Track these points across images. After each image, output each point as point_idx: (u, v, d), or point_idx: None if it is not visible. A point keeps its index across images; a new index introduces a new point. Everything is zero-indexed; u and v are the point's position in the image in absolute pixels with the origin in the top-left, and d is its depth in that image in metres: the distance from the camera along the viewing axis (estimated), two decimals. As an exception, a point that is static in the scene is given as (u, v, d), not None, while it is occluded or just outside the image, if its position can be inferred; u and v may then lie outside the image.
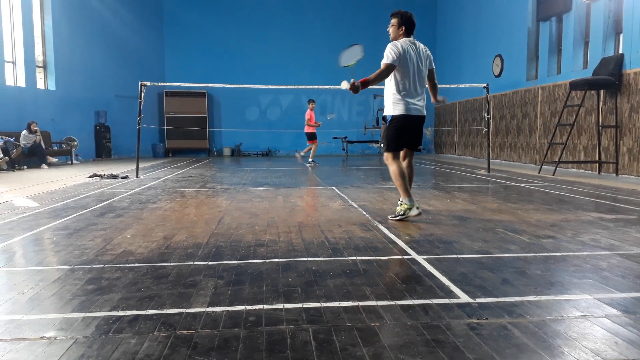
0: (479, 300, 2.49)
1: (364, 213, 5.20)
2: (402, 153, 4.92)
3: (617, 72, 9.15)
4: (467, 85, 12.45)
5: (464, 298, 2.52)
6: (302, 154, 13.40)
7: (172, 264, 3.21)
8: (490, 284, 2.76)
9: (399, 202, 4.79)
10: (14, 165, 11.46)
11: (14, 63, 13.18)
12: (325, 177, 9.44)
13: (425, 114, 4.86)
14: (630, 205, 5.59)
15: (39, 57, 14.16)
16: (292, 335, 2.07)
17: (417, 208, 4.67)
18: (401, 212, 4.70)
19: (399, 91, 4.71)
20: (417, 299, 2.52)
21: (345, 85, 4.69)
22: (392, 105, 4.77)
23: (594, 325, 2.17)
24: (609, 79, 9.10)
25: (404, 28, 4.80)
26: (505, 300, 2.50)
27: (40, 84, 14.21)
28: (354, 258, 3.34)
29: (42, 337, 2.08)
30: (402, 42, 4.69)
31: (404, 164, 4.91)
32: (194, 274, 2.97)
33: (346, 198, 6.49)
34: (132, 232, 4.25)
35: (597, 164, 9.78)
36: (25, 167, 11.76)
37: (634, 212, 5.13)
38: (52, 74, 14.42)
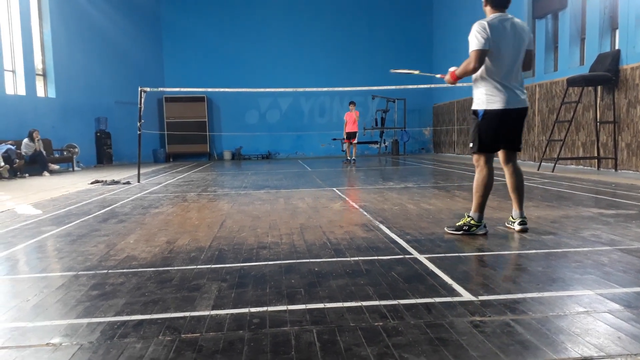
0: (481, 298, 2.51)
1: (365, 213, 5.21)
2: (502, 157, 4.17)
3: (614, 68, 9.16)
4: (465, 84, 12.44)
5: (466, 296, 2.54)
6: (354, 157, 14.30)
7: (175, 268, 3.23)
8: (492, 282, 2.77)
9: (466, 215, 4.10)
10: (15, 173, 11.49)
11: (13, 72, 13.21)
12: (325, 179, 9.45)
13: (526, 105, 4.03)
14: (630, 200, 5.60)
15: (38, 65, 14.19)
16: (297, 337, 2.08)
17: (485, 227, 4.02)
18: (465, 227, 4.01)
19: (492, 80, 3.90)
20: (420, 297, 2.53)
21: (439, 76, 4.30)
22: (484, 96, 3.96)
23: (596, 321, 2.18)
24: (606, 75, 9.12)
25: (488, 3, 3.96)
26: (507, 297, 2.51)
27: (40, 92, 14.24)
28: (356, 258, 3.35)
29: (47, 343, 2.09)
30: (491, 20, 3.85)
31: (507, 170, 4.18)
32: (197, 278, 2.98)
33: (347, 199, 6.50)
34: (135, 237, 4.26)
35: (596, 160, 9.79)
36: (27, 174, 11.78)
37: (634, 207, 5.14)
38: (52, 82, 14.45)
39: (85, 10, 15.61)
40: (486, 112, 3.95)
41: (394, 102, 18.18)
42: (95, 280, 2.99)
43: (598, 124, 9.73)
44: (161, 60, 18.91)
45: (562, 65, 11.37)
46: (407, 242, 3.82)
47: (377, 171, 11.49)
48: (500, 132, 3.99)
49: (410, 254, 3.46)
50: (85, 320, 2.33)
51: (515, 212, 4.16)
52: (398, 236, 4.04)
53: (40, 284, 2.94)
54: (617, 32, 9.58)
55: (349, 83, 16.32)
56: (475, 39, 3.81)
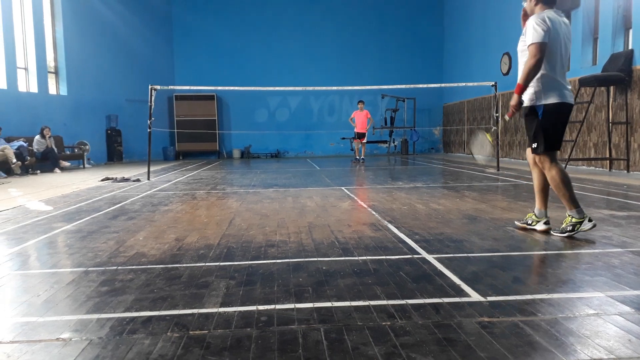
0: (490, 298, 2.49)
1: (374, 213, 5.20)
2: (534, 158, 4.01)
3: (627, 68, 9.06)
4: (475, 84, 12.40)
5: (475, 297, 2.52)
6: (363, 156, 14.45)
7: (184, 265, 3.24)
8: (501, 283, 2.75)
9: (567, 214, 3.91)
10: (27, 169, 11.60)
11: (26, 69, 13.34)
12: (334, 178, 9.44)
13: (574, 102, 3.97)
14: (642, 202, 5.54)
15: (50, 63, 14.32)
16: (304, 335, 2.09)
17: (590, 220, 3.82)
18: (569, 228, 3.85)
19: (551, 73, 3.79)
20: (428, 298, 2.52)
21: (507, 117, 4.05)
22: (542, 91, 3.82)
23: (606, 323, 2.16)
24: (618, 75, 9.02)
25: (538, 1, 3.87)
26: (516, 298, 2.49)
27: (52, 90, 14.37)
28: (364, 258, 3.35)
29: (57, 338, 2.11)
30: (548, 13, 3.78)
31: (538, 169, 4.05)
32: (206, 275, 2.99)
33: (355, 198, 6.49)
34: (144, 234, 4.29)
35: (608, 161, 9.70)
36: (38, 171, 11.89)
37: (647, 209, 5.09)
38: (64, 80, 14.58)
39: (97, 8, 15.73)
40: (547, 107, 3.83)
41: (403, 101, 18.12)
42: (104, 276, 3.02)
43: (610, 124, 9.63)
44: (172, 59, 19.00)
45: (575, 65, 11.26)
46: (416, 242, 3.81)
47: (386, 171, 11.47)
48: (562, 127, 3.87)
49: (419, 254, 3.45)
50: (95, 316, 2.35)
51: (540, 211, 4.09)
52: (406, 236, 4.02)
53: (50, 280, 2.97)
54: (631, 31, 9.46)
55: (359, 82, 16.30)
56: (535, 32, 3.70)
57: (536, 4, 3.89)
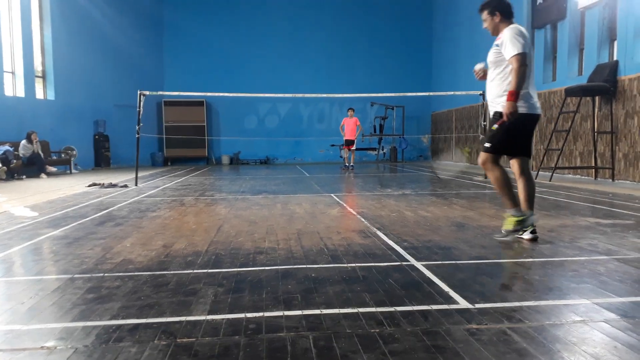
0: (478, 305, 2.50)
1: (363, 220, 5.21)
2: (516, 164, 4.10)
3: (612, 78, 9.20)
4: (463, 93, 12.51)
5: (463, 304, 2.53)
6: (352, 163, 14.44)
7: (171, 272, 3.22)
8: (489, 290, 2.77)
9: (507, 215, 4.02)
10: (12, 175, 11.46)
11: (13, 73, 13.22)
12: (323, 185, 9.45)
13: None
14: (627, 210, 5.62)
15: (38, 67, 14.20)
16: (293, 343, 2.08)
17: (532, 215, 3.95)
18: (511, 229, 3.97)
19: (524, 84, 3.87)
20: (417, 305, 2.53)
21: (495, 126, 3.99)
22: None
23: (593, 330, 2.18)
24: (604, 85, 9.16)
25: (500, 15, 4.01)
26: (504, 305, 2.51)
27: (40, 94, 14.24)
28: (353, 265, 3.35)
29: (42, 346, 2.08)
30: (519, 26, 3.94)
31: (523, 179, 4.08)
32: (193, 282, 2.97)
33: (344, 205, 6.50)
34: (131, 240, 4.25)
35: (594, 170, 9.82)
36: (24, 176, 11.75)
37: (631, 217, 5.15)
38: (52, 84, 14.46)
39: (86, 12, 15.64)
40: (518, 115, 3.88)
41: (392, 109, 18.21)
42: (91, 283, 2.98)
43: (596, 134, 9.76)
44: (161, 64, 18.94)
45: (561, 75, 11.42)
46: (405, 249, 3.82)
47: (375, 178, 11.50)
48: (521, 136, 4.01)
49: (408, 261, 3.45)
50: (81, 324, 2.32)
51: (524, 210, 4.02)
52: (395, 243, 4.03)
53: (35, 287, 2.93)
54: (616, 43, 9.63)
55: (348, 90, 16.38)
56: (517, 42, 3.79)
57: (500, 21, 4.02)
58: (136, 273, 3.19)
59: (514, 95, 3.81)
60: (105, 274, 3.17)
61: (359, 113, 17.72)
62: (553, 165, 9.97)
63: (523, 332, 2.16)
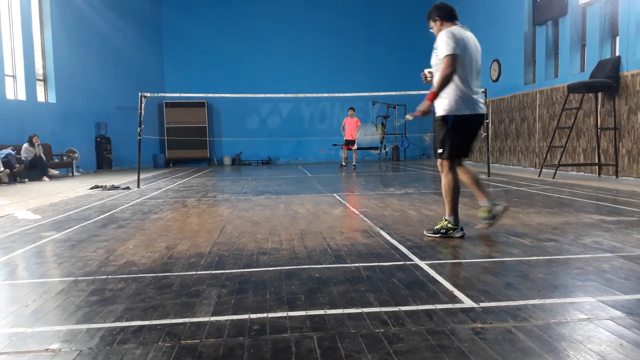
0: (482, 304, 2.49)
1: (366, 219, 5.20)
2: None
3: (615, 74, 9.18)
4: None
5: (467, 303, 2.52)
6: (354, 163, 14.47)
7: (175, 273, 3.22)
8: (493, 288, 2.76)
9: (444, 218, 4.21)
10: (15, 178, 11.48)
11: (14, 77, 13.23)
12: (325, 184, 9.44)
13: (485, 112, 4.19)
14: (631, 207, 5.59)
15: (39, 70, 14.21)
16: (297, 343, 2.07)
17: (462, 230, 4.15)
18: (442, 230, 4.15)
19: (461, 85, 3.96)
20: (421, 304, 2.52)
21: (409, 117, 4.21)
22: (454, 101, 3.99)
23: (598, 328, 2.17)
24: (606, 81, 9.13)
25: (440, 20, 4.16)
26: (509, 304, 2.50)
27: (41, 97, 14.25)
28: (357, 265, 3.34)
29: (46, 349, 2.08)
30: (455, 29, 4.03)
31: (461, 173, 4.25)
32: (197, 284, 2.97)
33: (347, 205, 6.49)
34: (134, 242, 4.25)
35: (597, 167, 9.79)
36: (26, 179, 11.77)
37: (635, 214, 5.13)
38: (53, 87, 14.47)
39: (86, 15, 15.66)
40: (458, 117, 4.01)
41: (394, 107, 18.20)
42: (94, 285, 2.98)
43: (599, 130, 9.73)
44: (162, 66, 18.95)
45: (563, 72, 11.39)
46: (408, 248, 3.81)
47: (378, 177, 11.49)
48: (470, 137, 4.13)
49: (411, 260, 3.45)
50: (85, 326, 2.32)
51: (485, 200, 4.25)
52: (399, 242, 4.03)
53: (39, 290, 2.93)
54: (618, 38, 9.60)
55: (350, 89, 16.35)
56: (446, 45, 3.91)
57: (441, 24, 4.16)
58: (139, 275, 3.19)
59: (432, 95, 3.97)
60: (109, 276, 3.17)
61: (360, 112, 17.71)
62: (556, 162, 9.94)
63: (528, 330, 2.15)
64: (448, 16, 4.14)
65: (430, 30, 4.28)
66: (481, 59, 4.19)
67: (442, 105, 4.06)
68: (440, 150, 4.16)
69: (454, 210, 4.15)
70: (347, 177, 11.68)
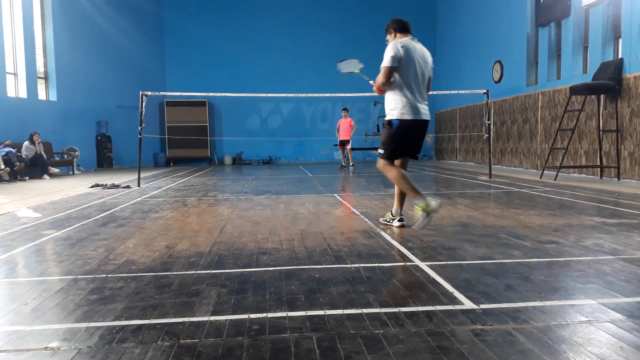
0: (483, 306, 2.49)
1: (366, 220, 5.19)
2: (399, 162, 4.64)
3: (617, 76, 9.16)
4: (467, 92, 12.48)
5: (467, 304, 2.52)
6: (351, 163, 14.52)
7: (174, 273, 3.21)
8: (494, 290, 2.75)
9: (414, 205, 4.34)
10: (15, 176, 11.49)
11: (15, 74, 13.24)
12: (326, 185, 9.43)
13: (429, 118, 4.57)
14: (633, 210, 5.58)
15: (40, 68, 14.23)
16: (296, 344, 2.07)
17: (435, 200, 4.25)
18: (422, 215, 4.22)
19: (405, 93, 4.36)
20: (421, 305, 2.51)
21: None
22: (398, 108, 4.40)
23: (599, 331, 2.16)
24: (609, 83, 9.12)
25: (394, 32, 4.59)
26: (509, 306, 2.49)
27: (42, 95, 14.27)
28: (357, 265, 3.33)
29: (45, 347, 2.07)
30: (402, 40, 4.42)
31: None
32: (196, 283, 2.96)
33: (348, 205, 6.48)
34: (134, 241, 4.25)
35: (599, 169, 9.78)
36: (27, 177, 11.78)
37: (637, 217, 5.12)
38: (54, 85, 14.48)
39: (88, 13, 15.67)
40: (400, 122, 4.41)
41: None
42: (94, 284, 2.98)
43: (601, 132, 9.72)
44: (163, 65, 18.96)
45: (565, 74, 11.38)
46: (409, 249, 3.80)
47: (379, 177, 11.47)
48: (408, 140, 4.51)
49: (412, 261, 3.44)
50: (84, 325, 2.31)
51: (396, 210, 4.74)
52: (399, 243, 4.02)
53: (39, 288, 2.93)
54: (620, 40, 9.58)
55: (351, 89, 16.33)
56: (386, 56, 4.34)
57: (395, 35, 4.58)
58: (139, 274, 3.19)
59: (375, 88, 4.54)
60: (109, 275, 3.17)
61: (362, 113, 17.76)
62: (558, 164, 9.93)
63: (528, 332, 2.15)
64: (402, 29, 4.57)
65: (386, 41, 4.66)
66: (431, 70, 4.60)
67: (389, 110, 4.49)
68: (381, 151, 4.54)
69: (416, 191, 4.33)
70: (347, 177, 11.68)
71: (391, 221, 4.76)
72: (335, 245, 3.98)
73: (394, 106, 4.43)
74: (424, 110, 4.46)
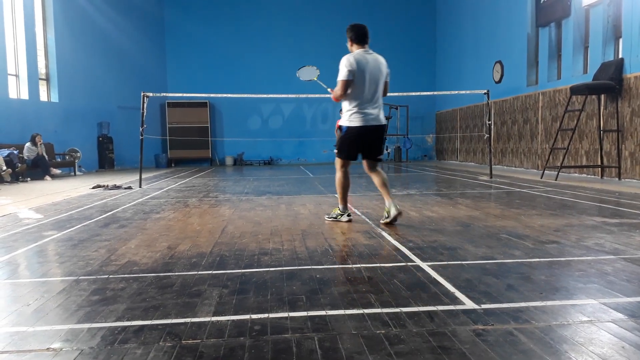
0: (484, 306, 2.49)
1: (368, 220, 5.20)
2: (364, 164, 5.04)
3: (618, 76, 9.16)
4: (468, 92, 12.49)
5: (469, 304, 2.52)
6: None
7: (176, 273, 3.22)
8: (495, 290, 2.75)
9: (338, 207, 5.18)
10: (17, 177, 11.51)
11: (17, 76, 13.27)
12: (327, 185, 9.43)
13: (383, 123, 4.94)
14: (633, 209, 5.58)
15: (42, 69, 14.25)
16: (298, 344, 2.07)
17: (349, 215, 5.11)
18: (334, 216, 5.15)
19: (355, 102, 4.77)
20: (422, 305, 2.51)
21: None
22: (348, 115, 4.85)
23: (600, 330, 2.17)
24: (609, 83, 9.12)
25: (351, 41, 4.93)
26: (510, 306, 2.49)
27: (43, 96, 14.29)
28: (358, 265, 3.34)
29: (47, 348, 2.08)
30: (355, 54, 4.79)
31: (372, 175, 5.02)
32: (198, 284, 2.97)
33: (349, 205, 6.48)
34: (136, 242, 4.25)
35: (600, 169, 9.77)
36: (28, 179, 11.79)
37: (638, 216, 5.12)
38: (55, 86, 14.50)
39: (89, 15, 15.69)
40: (349, 128, 4.87)
41: (396, 108, 18.19)
42: (96, 285, 2.98)
43: (601, 132, 9.71)
44: (164, 66, 18.98)
45: (566, 74, 11.37)
46: (410, 249, 3.80)
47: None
48: (358, 144, 4.91)
49: (413, 261, 3.44)
50: (86, 326, 2.32)
51: (387, 202, 4.92)
52: (400, 243, 4.02)
53: (41, 289, 2.93)
54: (621, 40, 9.58)
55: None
56: (342, 71, 4.71)
57: (352, 45, 4.92)
58: (141, 275, 3.19)
59: (333, 97, 4.89)
60: (110, 276, 3.17)
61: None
62: (559, 164, 9.92)
63: (530, 332, 2.15)
64: (358, 39, 4.87)
65: (347, 45, 4.98)
66: (387, 75, 4.95)
67: (343, 116, 4.98)
68: (336, 151, 5.08)
69: (344, 200, 5.09)
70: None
71: (339, 217, 5.13)
72: (337, 245, 3.99)
73: (345, 113, 4.90)
74: (375, 117, 4.84)
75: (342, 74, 4.71)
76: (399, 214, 4.82)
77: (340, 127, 5.05)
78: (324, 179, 11.07)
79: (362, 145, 4.91)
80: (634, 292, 2.70)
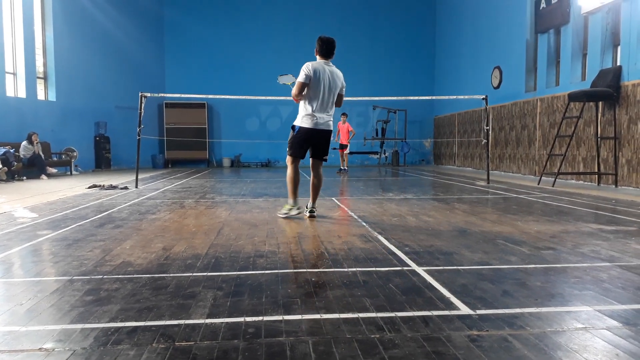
0: (479, 311, 2.48)
1: (364, 224, 5.19)
2: (311, 164, 5.64)
3: (615, 83, 9.19)
4: (466, 97, 12.51)
5: (464, 310, 2.51)
6: (345, 167, 14.87)
7: (171, 275, 3.20)
8: (490, 296, 2.75)
9: (287, 202, 5.65)
10: (13, 176, 11.47)
11: (14, 74, 13.24)
12: (324, 188, 9.42)
13: (330, 129, 5.52)
14: (629, 217, 5.59)
15: (39, 68, 14.22)
16: (292, 347, 2.06)
17: (298, 208, 5.56)
18: (285, 211, 5.59)
19: (309, 107, 5.33)
20: (417, 310, 2.51)
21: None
22: (301, 117, 5.40)
23: (594, 337, 2.16)
24: (607, 90, 9.15)
25: (316, 52, 5.49)
26: (505, 311, 2.49)
27: (41, 95, 14.26)
28: (354, 269, 3.33)
29: (40, 348, 2.06)
30: (315, 63, 5.36)
31: (313, 174, 5.64)
32: (193, 285, 2.95)
33: (345, 209, 6.48)
34: (131, 243, 4.24)
35: (597, 176, 9.79)
36: (24, 177, 11.76)
37: (634, 224, 5.13)
38: (53, 85, 14.48)
39: (88, 14, 15.68)
40: (300, 128, 5.43)
41: (394, 112, 18.23)
42: (90, 285, 2.97)
43: (599, 139, 9.74)
44: (162, 66, 18.97)
45: (564, 80, 11.41)
46: (406, 253, 3.80)
47: (377, 182, 11.48)
48: (307, 144, 5.50)
49: (409, 266, 3.43)
50: (79, 326, 2.30)
51: (310, 203, 5.65)
52: (396, 248, 4.02)
53: (34, 288, 2.92)
54: (619, 48, 9.62)
55: (350, 93, 16.34)
56: (301, 74, 5.29)
57: (316, 54, 5.52)
58: (135, 275, 3.18)
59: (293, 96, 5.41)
60: (105, 276, 3.16)
61: (361, 116, 17.76)
62: (556, 170, 9.95)
63: (524, 338, 2.14)
64: (322, 52, 5.46)
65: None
66: (342, 89, 5.54)
67: (297, 117, 5.47)
68: (287, 149, 5.57)
69: (293, 195, 5.56)
70: (345, 181, 11.67)
71: (289, 211, 5.58)
72: (333, 248, 3.98)
73: (299, 114, 5.45)
74: (324, 122, 5.41)
75: (300, 77, 5.29)
76: (298, 213, 5.54)
77: (293, 127, 5.51)
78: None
79: (312, 145, 5.50)
80: (629, 299, 2.70)
